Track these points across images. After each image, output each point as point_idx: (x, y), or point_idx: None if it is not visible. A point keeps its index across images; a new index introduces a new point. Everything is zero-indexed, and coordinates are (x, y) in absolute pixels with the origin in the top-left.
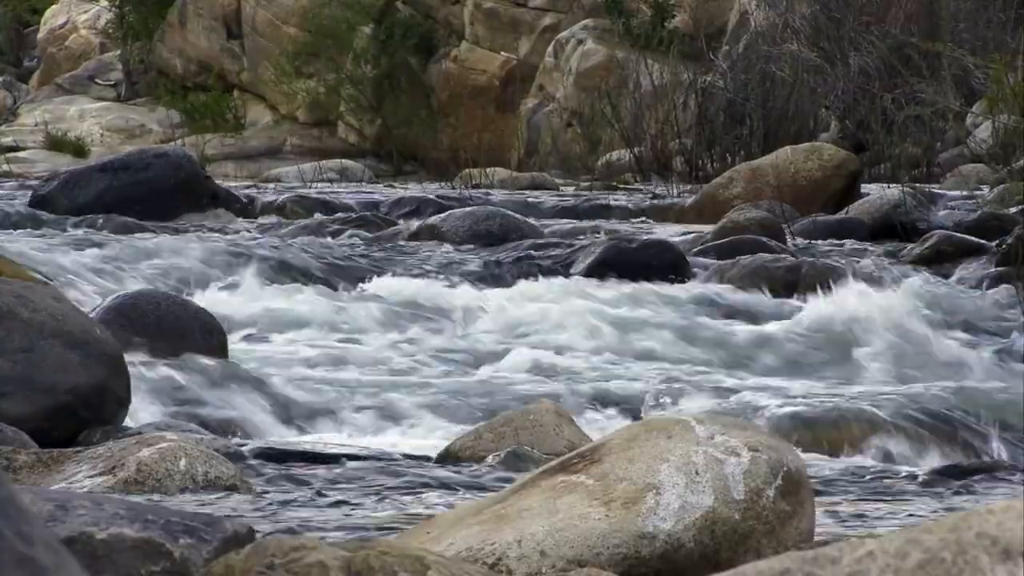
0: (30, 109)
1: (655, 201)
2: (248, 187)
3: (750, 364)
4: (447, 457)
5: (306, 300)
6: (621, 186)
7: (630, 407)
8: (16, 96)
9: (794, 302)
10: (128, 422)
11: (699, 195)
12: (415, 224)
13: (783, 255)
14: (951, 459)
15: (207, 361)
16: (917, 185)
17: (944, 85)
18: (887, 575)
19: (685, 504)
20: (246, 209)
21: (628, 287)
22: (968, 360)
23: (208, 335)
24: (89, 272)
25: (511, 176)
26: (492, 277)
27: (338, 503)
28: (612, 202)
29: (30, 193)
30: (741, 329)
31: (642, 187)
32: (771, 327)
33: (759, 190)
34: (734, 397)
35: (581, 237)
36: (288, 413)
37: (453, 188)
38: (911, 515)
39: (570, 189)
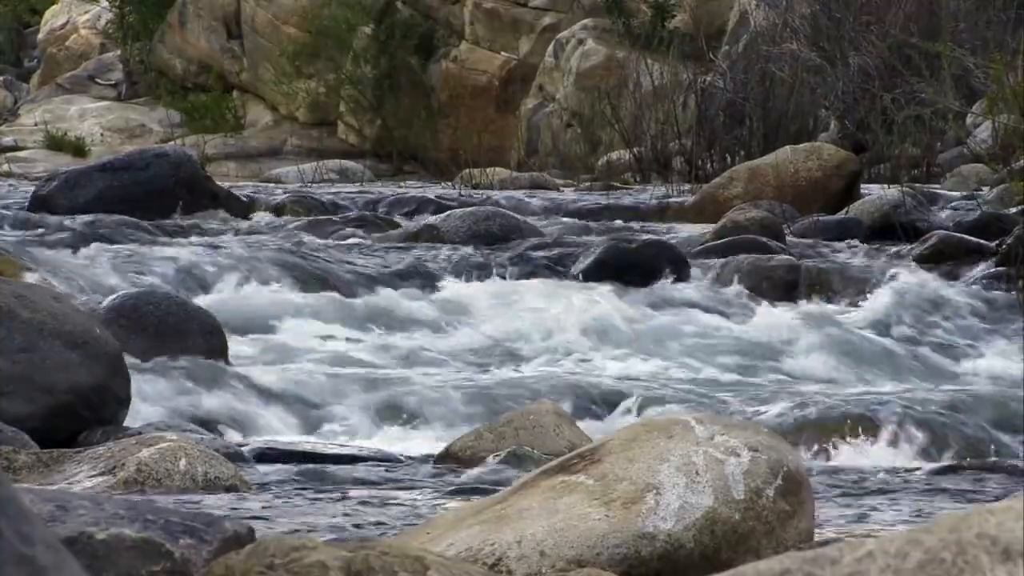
0: (30, 109)
1: (655, 201)
2: (248, 187)
3: (750, 364)
4: (447, 457)
5: (306, 300)
6: (621, 186)
7: (630, 407)
8: (16, 96)
9: (793, 302)
10: (128, 422)
11: (699, 195)
12: (415, 224)
13: (783, 255)
14: (951, 459)
15: (207, 361)
16: (917, 185)
17: (944, 85)
18: (887, 575)
19: (685, 504)
20: (246, 209)
21: (627, 287)
22: (968, 360)
23: (208, 335)
24: (89, 272)
25: (511, 176)
26: (492, 277)
27: (338, 503)
28: (612, 202)
29: (30, 193)
30: (741, 329)
31: (642, 187)
32: (771, 327)
33: (759, 190)
34: (734, 396)
35: (581, 237)
36: (288, 413)
37: (453, 188)
38: (911, 515)
39: (570, 189)
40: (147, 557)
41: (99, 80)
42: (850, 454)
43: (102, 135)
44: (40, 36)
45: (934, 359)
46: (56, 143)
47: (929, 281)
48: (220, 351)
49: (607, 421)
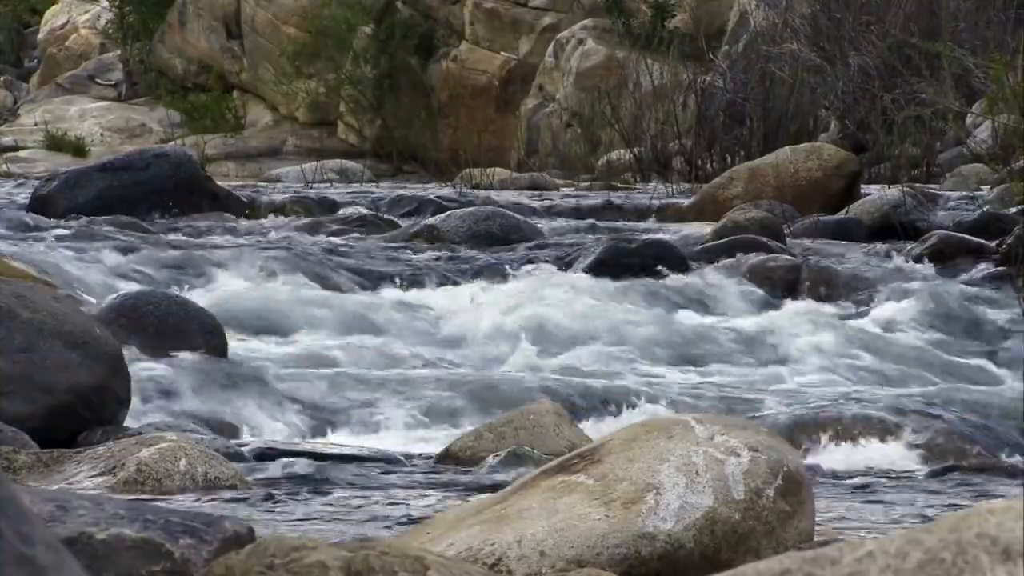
0: (30, 109)
1: (655, 201)
2: (248, 187)
3: (750, 364)
4: (447, 457)
5: (306, 300)
6: (621, 186)
7: (630, 407)
8: (16, 96)
9: (793, 302)
10: (128, 422)
11: (699, 195)
12: (415, 224)
13: (783, 255)
14: (951, 459)
15: (207, 361)
16: (917, 185)
17: (944, 85)
18: (887, 575)
19: (685, 504)
20: (246, 209)
21: (628, 287)
22: (967, 360)
23: (208, 335)
24: (89, 272)
25: (511, 176)
26: (492, 277)
27: (338, 503)
28: (612, 202)
29: (30, 193)
30: (741, 330)
31: (642, 187)
32: (770, 327)
33: (759, 190)
34: (734, 396)
35: (581, 237)
36: (288, 413)
37: (454, 188)
38: (911, 515)
39: (570, 189)
40: (147, 557)
41: (99, 80)
42: (850, 454)
43: (102, 135)
44: (40, 36)
45: (934, 359)
46: (56, 143)
47: (929, 281)
48: (220, 351)
49: (607, 421)
